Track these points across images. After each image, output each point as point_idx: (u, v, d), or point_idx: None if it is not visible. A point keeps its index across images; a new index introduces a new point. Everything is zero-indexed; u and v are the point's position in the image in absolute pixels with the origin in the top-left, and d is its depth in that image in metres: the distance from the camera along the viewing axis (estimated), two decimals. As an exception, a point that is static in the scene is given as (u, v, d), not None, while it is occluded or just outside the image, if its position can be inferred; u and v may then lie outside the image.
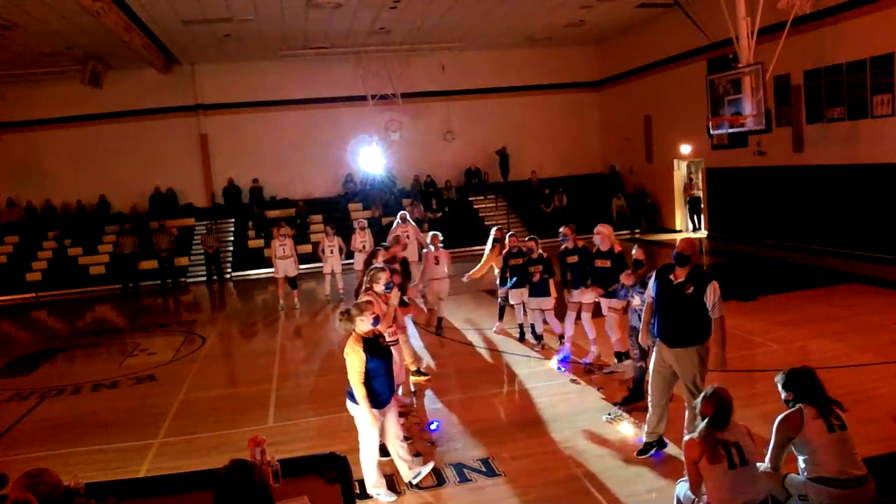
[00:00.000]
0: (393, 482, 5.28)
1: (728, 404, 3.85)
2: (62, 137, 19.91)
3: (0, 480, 3.59)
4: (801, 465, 4.02)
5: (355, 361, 4.91)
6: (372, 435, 5.05)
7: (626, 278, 6.78)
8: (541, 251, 8.72)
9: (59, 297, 17.52)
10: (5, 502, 2.90)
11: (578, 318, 8.34)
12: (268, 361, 9.65)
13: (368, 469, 5.11)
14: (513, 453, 5.72)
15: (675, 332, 5.19)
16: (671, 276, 5.26)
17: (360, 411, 5.01)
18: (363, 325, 4.99)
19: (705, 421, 3.83)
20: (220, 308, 15.47)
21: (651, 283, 5.48)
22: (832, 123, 13.56)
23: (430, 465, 5.32)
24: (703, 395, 3.97)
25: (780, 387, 4.13)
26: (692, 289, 5.11)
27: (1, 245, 19.02)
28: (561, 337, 8.67)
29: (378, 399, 5.01)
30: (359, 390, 4.90)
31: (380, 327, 5.28)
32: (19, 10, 13.17)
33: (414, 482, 5.20)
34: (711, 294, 5.05)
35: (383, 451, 5.32)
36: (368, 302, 5.33)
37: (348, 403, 5.12)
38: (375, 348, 4.99)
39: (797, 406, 4.00)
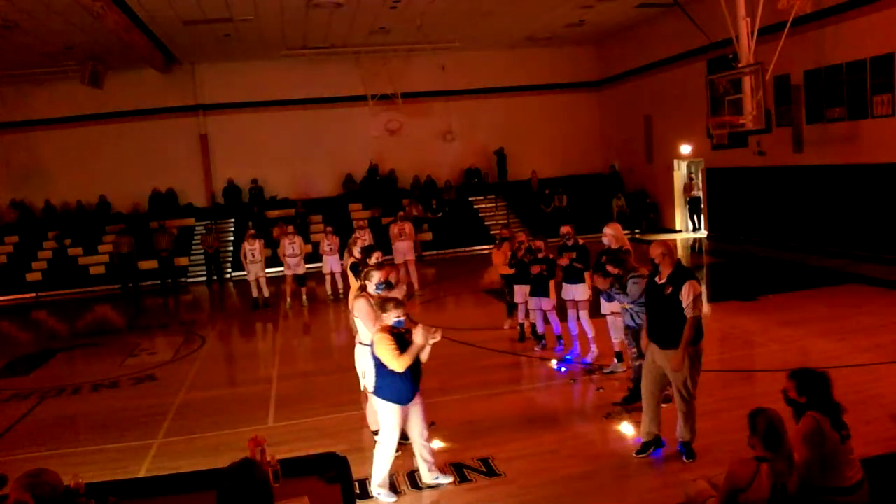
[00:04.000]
0: (394, 483, 5.28)
1: (781, 427, 3.64)
2: (62, 137, 19.89)
3: (0, 480, 3.60)
4: (805, 472, 3.94)
5: (386, 343, 4.86)
6: (393, 433, 5.04)
7: (599, 282, 6.57)
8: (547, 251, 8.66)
9: (59, 297, 17.50)
10: (5, 502, 2.90)
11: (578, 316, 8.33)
12: (268, 361, 9.64)
13: (380, 467, 5.10)
14: (513, 453, 5.71)
15: (663, 333, 5.22)
16: (656, 278, 5.35)
17: (385, 406, 5.02)
18: (389, 318, 4.98)
19: (759, 444, 3.64)
20: (220, 308, 15.47)
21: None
22: (832, 123, 13.55)
23: (449, 479, 5.29)
24: (749, 418, 3.76)
25: (794, 386, 3.96)
26: (671, 289, 5.15)
27: (1, 245, 19.01)
28: (559, 337, 8.68)
29: (403, 395, 5.00)
30: (403, 359, 4.81)
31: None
32: (19, 10, 13.16)
33: (430, 483, 5.21)
34: (687, 293, 5.07)
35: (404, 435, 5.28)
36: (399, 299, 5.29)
37: (375, 399, 5.12)
38: (403, 343, 4.95)
39: (813, 418, 3.84)
